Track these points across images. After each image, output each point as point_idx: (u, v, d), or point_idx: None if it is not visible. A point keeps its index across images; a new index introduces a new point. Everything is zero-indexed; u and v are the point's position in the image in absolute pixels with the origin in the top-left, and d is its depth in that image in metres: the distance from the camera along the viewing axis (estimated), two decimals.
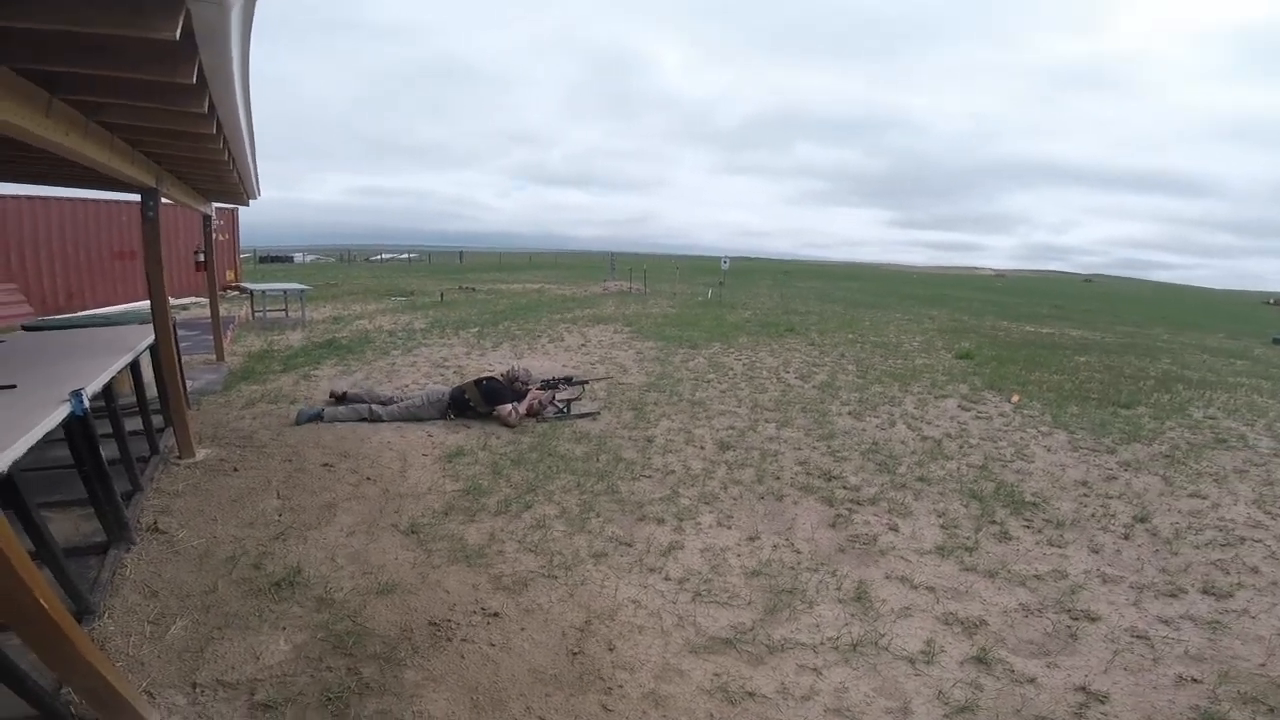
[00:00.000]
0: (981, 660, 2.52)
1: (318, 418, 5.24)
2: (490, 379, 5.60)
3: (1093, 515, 4.01)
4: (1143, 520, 3.94)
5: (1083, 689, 2.37)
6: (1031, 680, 2.41)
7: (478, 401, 5.42)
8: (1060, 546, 3.56)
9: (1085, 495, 4.34)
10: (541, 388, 5.78)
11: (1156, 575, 3.27)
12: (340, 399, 5.67)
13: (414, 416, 5.38)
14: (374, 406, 5.38)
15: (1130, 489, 4.49)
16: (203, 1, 1.44)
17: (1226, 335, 17.83)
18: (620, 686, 2.31)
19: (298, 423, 5.18)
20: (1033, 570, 3.28)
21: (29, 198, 11.22)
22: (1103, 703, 2.30)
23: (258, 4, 1.66)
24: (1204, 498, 4.37)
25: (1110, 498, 4.31)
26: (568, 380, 6.02)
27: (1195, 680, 2.44)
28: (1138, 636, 2.72)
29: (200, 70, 1.88)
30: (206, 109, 2.32)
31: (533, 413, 5.53)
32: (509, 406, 5.35)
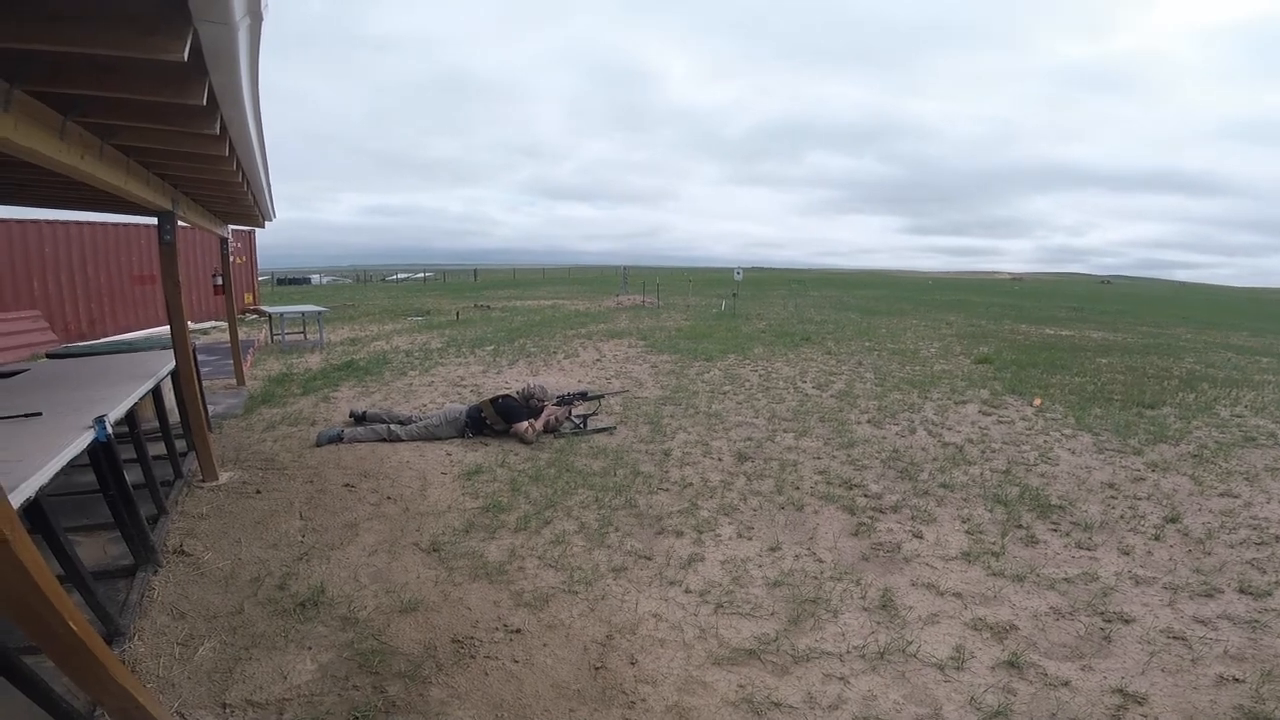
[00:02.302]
0: (1013, 665, 2.47)
1: (337, 439, 5.29)
2: (506, 397, 5.62)
3: (1121, 517, 3.93)
4: (1173, 521, 3.87)
5: (1120, 691, 2.31)
6: (1066, 683, 2.36)
7: (494, 419, 5.44)
8: (1089, 549, 3.50)
9: (1113, 497, 4.27)
10: (557, 404, 5.79)
11: (1190, 576, 3.20)
12: (360, 419, 5.72)
13: (432, 436, 5.41)
14: (392, 426, 5.41)
15: (1159, 490, 4.41)
16: (210, 22, 1.45)
17: (1250, 333, 17.53)
18: (644, 700, 2.29)
19: (318, 444, 5.22)
20: (1062, 573, 3.22)
21: (49, 222, 11.33)
22: (1141, 704, 2.25)
23: (265, 23, 1.64)
24: (1235, 497, 4.28)
25: (1139, 499, 4.23)
26: (583, 395, 6.02)
27: (1237, 680, 2.37)
28: (1174, 637, 2.66)
29: (210, 91, 1.90)
30: (219, 130, 2.34)
31: (549, 429, 5.54)
32: (525, 423, 5.36)
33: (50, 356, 5.58)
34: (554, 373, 8.62)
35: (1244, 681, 2.37)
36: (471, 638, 2.63)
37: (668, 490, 4.33)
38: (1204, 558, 3.40)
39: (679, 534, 3.66)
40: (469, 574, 3.17)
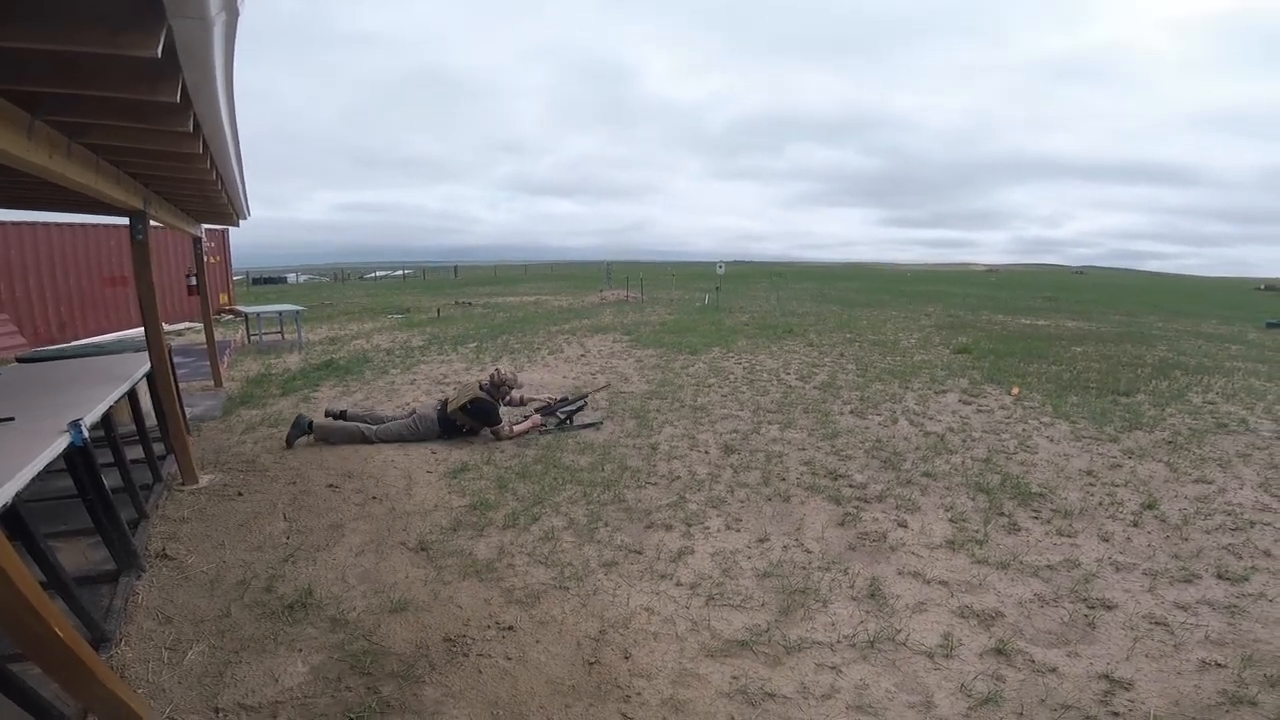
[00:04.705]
0: (1001, 652, 2.51)
1: (306, 430, 5.16)
2: (476, 400, 5.34)
3: (1100, 504, 4.01)
4: (1150, 507, 3.94)
5: (1106, 676, 2.36)
6: (1053, 670, 2.40)
7: (467, 424, 5.33)
8: (1070, 536, 3.56)
9: (1091, 484, 4.35)
10: (540, 411, 5.66)
11: (1169, 561, 3.26)
12: (339, 418, 5.59)
13: (402, 440, 5.26)
14: (363, 427, 5.25)
15: (1136, 476, 4.49)
16: (184, 18, 1.40)
17: (1219, 321, 17.92)
18: (639, 694, 2.29)
19: (288, 445, 5.11)
20: (1045, 561, 3.27)
21: (15, 223, 10.99)
22: (1127, 690, 2.29)
23: (240, 19, 1.60)
24: (1210, 483, 4.38)
25: (1116, 486, 4.31)
26: (564, 400, 5.94)
27: (1219, 665, 2.43)
28: (1156, 623, 2.71)
29: (183, 88, 1.85)
30: (191, 128, 2.28)
31: (532, 429, 5.44)
32: (493, 430, 5.29)
33: (20, 361, 5.45)
34: (539, 369, 8.59)
35: (1226, 666, 2.42)
36: (464, 636, 2.62)
37: (655, 484, 4.33)
38: (1182, 543, 3.48)
39: (668, 527, 3.67)
40: (458, 572, 3.15)
